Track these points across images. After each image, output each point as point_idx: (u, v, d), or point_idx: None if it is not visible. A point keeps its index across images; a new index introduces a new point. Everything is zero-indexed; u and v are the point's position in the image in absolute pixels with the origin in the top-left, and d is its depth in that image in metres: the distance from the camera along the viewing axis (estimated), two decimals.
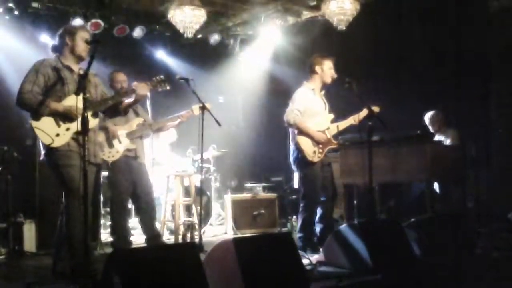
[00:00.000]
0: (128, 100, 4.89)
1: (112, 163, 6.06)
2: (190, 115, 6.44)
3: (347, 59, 8.10)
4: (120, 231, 6.12)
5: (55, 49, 4.70)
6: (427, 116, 7.61)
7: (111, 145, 6.05)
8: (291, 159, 6.02)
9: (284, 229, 7.90)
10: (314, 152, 5.84)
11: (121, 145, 6.06)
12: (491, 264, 4.97)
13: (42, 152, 4.57)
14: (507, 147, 7.46)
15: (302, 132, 5.83)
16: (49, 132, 4.43)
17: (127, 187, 6.07)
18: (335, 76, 5.93)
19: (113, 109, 4.85)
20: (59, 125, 4.47)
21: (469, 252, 5.20)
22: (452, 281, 4.37)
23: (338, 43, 8.22)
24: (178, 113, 6.48)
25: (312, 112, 5.92)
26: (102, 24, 7.96)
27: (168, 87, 5.16)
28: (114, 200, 6.17)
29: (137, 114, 6.31)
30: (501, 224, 6.55)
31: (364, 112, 5.86)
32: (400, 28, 8.40)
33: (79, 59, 4.67)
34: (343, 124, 6.04)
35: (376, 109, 5.81)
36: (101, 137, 6.07)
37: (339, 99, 6.27)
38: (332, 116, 6.04)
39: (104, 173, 6.61)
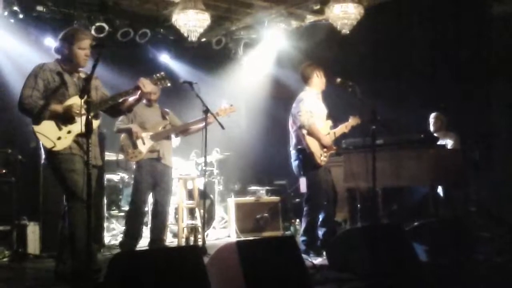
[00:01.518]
0: (132, 98, 4.82)
1: (136, 163, 6.20)
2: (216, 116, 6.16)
3: (350, 62, 8.14)
4: (129, 232, 6.21)
5: (57, 51, 4.68)
6: (431, 117, 7.64)
7: (134, 146, 6.17)
8: (295, 164, 6.02)
9: (287, 233, 7.90)
10: (321, 155, 5.87)
11: (144, 146, 6.17)
12: (494, 268, 4.96)
13: (43, 156, 4.55)
14: (510, 151, 7.45)
15: (312, 134, 5.85)
16: (51, 136, 4.41)
17: (147, 188, 6.22)
18: (338, 80, 5.97)
19: (115, 109, 4.83)
20: (60, 128, 4.44)
21: (472, 256, 5.19)
22: (455, 285, 4.36)
23: (341, 46, 8.24)
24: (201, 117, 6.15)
25: (317, 117, 5.94)
26: (106, 27, 7.97)
27: (169, 84, 5.18)
28: (132, 200, 6.32)
29: (164, 117, 6.41)
30: (504, 229, 6.53)
31: (353, 121, 6.01)
32: (402, 30, 8.41)
33: (77, 66, 4.64)
34: (338, 131, 6.13)
35: (356, 120, 5.93)
36: (125, 138, 6.18)
37: (337, 104, 6.33)
38: (330, 122, 6.11)
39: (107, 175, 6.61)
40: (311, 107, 5.89)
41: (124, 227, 6.53)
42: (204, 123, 5.95)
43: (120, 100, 4.74)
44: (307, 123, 5.82)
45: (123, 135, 6.27)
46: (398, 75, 8.58)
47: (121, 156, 7.03)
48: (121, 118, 6.12)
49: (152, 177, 6.21)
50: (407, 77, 8.50)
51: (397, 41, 8.42)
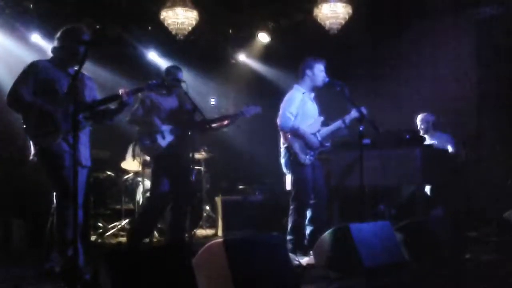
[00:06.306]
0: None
1: (153, 158, 5.86)
2: None
3: (340, 60, 8.16)
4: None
5: (54, 51, 4.62)
6: (418, 118, 7.66)
7: (153, 140, 5.77)
8: (283, 161, 6.01)
9: (275, 232, 7.89)
10: (306, 154, 5.84)
11: (164, 141, 5.78)
12: (480, 267, 4.99)
13: (32, 152, 4.52)
14: (497, 150, 7.52)
15: (294, 134, 5.82)
16: (39, 133, 4.38)
17: (165, 184, 5.80)
18: (327, 79, 5.90)
19: (98, 116, 4.75)
20: (49, 126, 4.40)
21: (459, 255, 5.22)
22: (441, 284, 4.39)
23: (331, 45, 8.24)
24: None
25: (304, 115, 5.90)
26: (94, 24, 7.93)
27: (164, 92, 5.18)
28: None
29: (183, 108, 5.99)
30: (490, 228, 6.59)
31: (353, 115, 5.86)
32: (396, 28, 8.44)
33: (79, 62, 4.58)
34: (333, 127, 6.02)
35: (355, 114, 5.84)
36: (142, 131, 5.84)
37: (330, 101, 6.29)
38: (322, 119, 6.03)
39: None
40: (293, 108, 5.82)
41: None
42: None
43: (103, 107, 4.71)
44: (285, 125, 5.77)
45: (139, 128, 5.88)
46: (393, 74, 8.62)
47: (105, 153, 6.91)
48: (136, 106, 5.77)
49: (171, 173, 5.79)
50: (401, 76, 8.55)
51: (391, 39, 8.46)
